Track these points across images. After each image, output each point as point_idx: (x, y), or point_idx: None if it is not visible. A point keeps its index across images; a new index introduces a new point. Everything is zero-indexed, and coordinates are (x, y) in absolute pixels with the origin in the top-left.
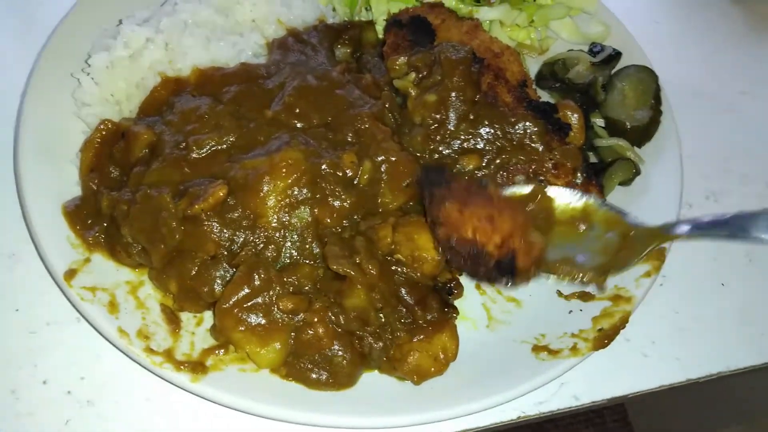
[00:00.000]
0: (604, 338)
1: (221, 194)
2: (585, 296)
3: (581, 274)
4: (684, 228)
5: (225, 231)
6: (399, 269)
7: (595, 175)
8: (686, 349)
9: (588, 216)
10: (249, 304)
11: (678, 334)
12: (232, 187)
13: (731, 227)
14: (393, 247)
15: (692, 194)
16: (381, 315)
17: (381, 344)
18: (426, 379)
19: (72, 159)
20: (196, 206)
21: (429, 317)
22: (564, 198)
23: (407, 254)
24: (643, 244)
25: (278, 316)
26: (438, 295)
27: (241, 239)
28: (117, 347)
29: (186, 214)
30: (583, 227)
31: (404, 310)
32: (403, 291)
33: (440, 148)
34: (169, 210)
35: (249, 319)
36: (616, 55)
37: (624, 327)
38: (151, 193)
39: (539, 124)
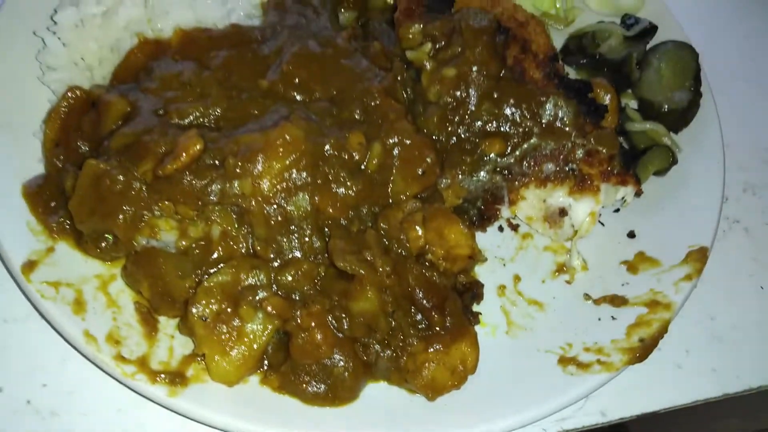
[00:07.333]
0: (642, 351)
1: (197, 148)
2: (617, 301)
3: None
4: None
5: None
6: (416, 270)
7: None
8: (723, 359)
9: None
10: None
11: (714, 342)
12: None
13: None
14: (426, 247)
15: (728, 186)
16: (392, 320)
17: (389, 352)
18: (442, 393)
19: (35, 131)
20: (168, 166)
21: (447, 323)
22: None
23: (440, 254)
24: None
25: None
26: (459, 298)
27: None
28: (82, 354)
29: (157, 174)
30: None
31: (419, 314)
32: (420, 293)
33: (459, 131)
34: (117, 180)
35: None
36: (652, 29)
37: (662, 337)
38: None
39: (572, 105)
